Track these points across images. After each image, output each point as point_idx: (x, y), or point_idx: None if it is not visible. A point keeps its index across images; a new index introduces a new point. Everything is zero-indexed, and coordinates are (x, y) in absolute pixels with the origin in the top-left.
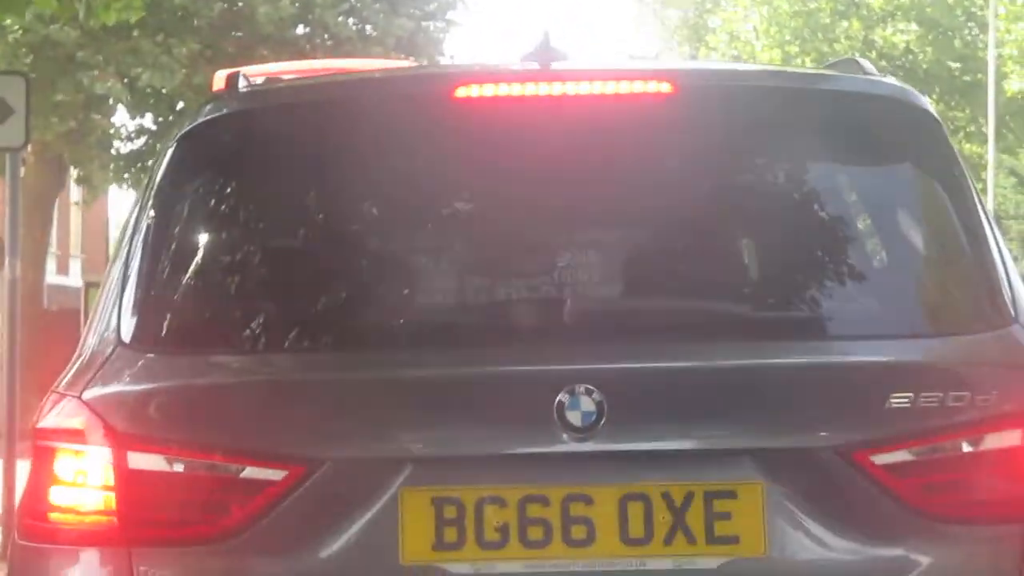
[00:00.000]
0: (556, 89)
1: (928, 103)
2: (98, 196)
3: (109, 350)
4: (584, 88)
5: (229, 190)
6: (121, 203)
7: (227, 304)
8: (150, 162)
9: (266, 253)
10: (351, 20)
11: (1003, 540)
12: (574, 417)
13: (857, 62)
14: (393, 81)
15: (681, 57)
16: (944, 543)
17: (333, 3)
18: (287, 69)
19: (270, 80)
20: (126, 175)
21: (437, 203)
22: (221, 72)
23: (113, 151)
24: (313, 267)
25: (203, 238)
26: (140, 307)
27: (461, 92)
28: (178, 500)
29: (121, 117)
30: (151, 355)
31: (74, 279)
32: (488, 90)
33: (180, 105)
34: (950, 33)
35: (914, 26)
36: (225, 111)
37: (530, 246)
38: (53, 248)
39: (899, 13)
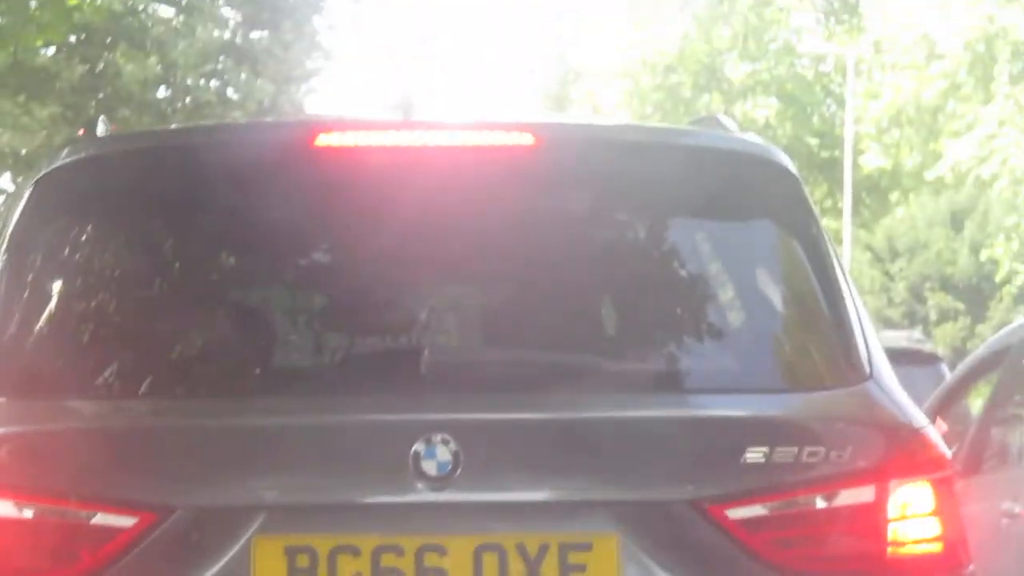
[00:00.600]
0: (417, 139)
1: (788, 161)
2: None
3: None
4: (446, 138)
5: (85, 236)
6: None
7: (81, 350)
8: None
9: (122, 300)
10: (213, 82)
11: None
12: (430, 467)
13: (719, 120)
14: (253, 128)
15: None
16: None
17: (196, 64)
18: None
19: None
20: None
21: (295, 252)
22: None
23: None
24: (169, 314)
25: (57, 284)
26: None
27: (321, 140)
28: (28, 546)
29: None
30: (2, 400)
31: None
32: (349, 139)
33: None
34: (809, 109)
35: (773, 100)
36: (83, 155)
37: (389, 297)
38: None
39: (759, 88)
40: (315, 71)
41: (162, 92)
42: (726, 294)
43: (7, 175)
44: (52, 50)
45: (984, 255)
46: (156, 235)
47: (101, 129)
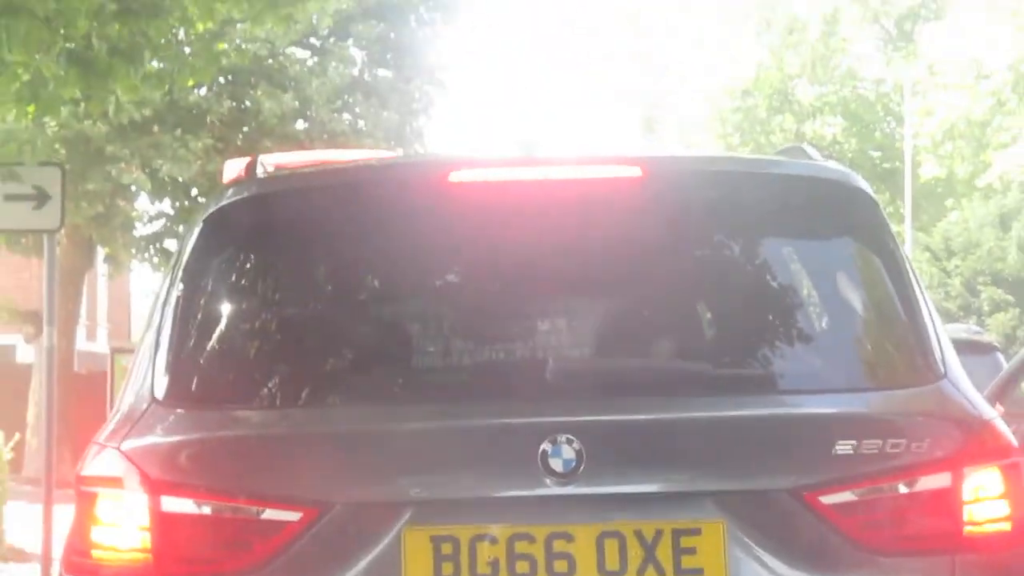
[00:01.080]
0: (540, 173)
1: (866, 185)
2: (122, 272)
3: (144, 406)
4: (564, 172)
5: (249, 265)
6: (142, 278)
7: (248, 366)
8: (167, 241)
9: (282, 321)
10: (345, 115)
11: (933, 570)
12: (556, 464)
13: (803, 149)
14: (395, 167)
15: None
16: (883, 572)
17: (329, 100)
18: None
19: (279, 167)
20: (146, 253)
21: (433, 275)
22: (230, 161)
23: (135, 233)
24: (324, 333)
25: (226, 308)
26: (171, 369)
27: (455, 177)
28: (206, 539)
29: (142, 203)
30: (181, 411)
31: (101, 346)
32: (479, 174)
33: (194, 191)
34: (871, 126)
35: (839, 119)
36: (246, 194)
37: (516, 314)
38: (83, 318)
39: (827, 108)
40: (432, 103)
41: (300, 125)
42: (815, 305)
43: (167, 200)
44: (203, 90)
45: None
46: (311, 262)
47: (260, 171)
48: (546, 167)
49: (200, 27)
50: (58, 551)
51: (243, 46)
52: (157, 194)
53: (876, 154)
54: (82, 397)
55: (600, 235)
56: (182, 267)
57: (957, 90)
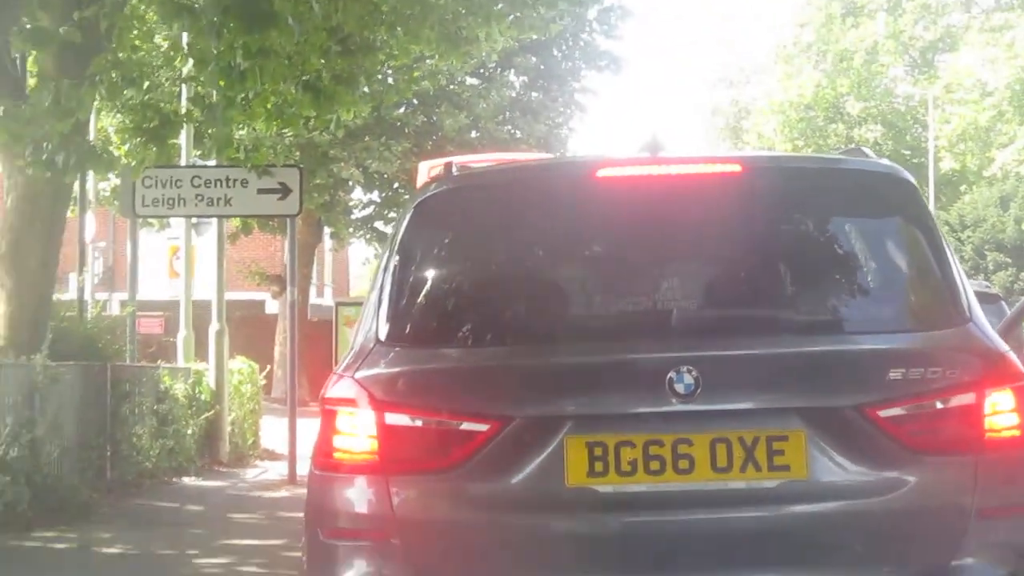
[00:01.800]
0: (664, 169)
1: (909, 176)
2: (342, 246)
3: (371, 346)
4: (683, 168)
5: (447, 240)
6: (357, 249)
7: (448, 315)
8: (376, 223)
9: (473, 281)
10: (506, 128)
11: (962, 464)
12: (679, 387)
13: (862, 150)
14: (555, 166)
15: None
16: (924, 467)
17: (493, 115)
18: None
19: (464, 167)
20: (361, 232)
21: (585, 248)
22: (422, 163)
23: (352, 216)
24: (505, 291)
25: (430, 272)
26: (390, 318)
27: (603, 173)
28: (417, 444)
29: (356, 193)
30: (399, 349)
31: (327, 300)
32: (619, 171)
33: (396, 184)
34: (903, 132)
35: (879, 127)
36: (445, 188)
37: (649, 277)
38: (314, 280)
39: (869, 119)
40: (571, 115)
41: (473, 135)
42: (872, 267)
43: (375, 192)
44: (402, 108)
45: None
46: (494, 238)
47: (454, 170)
48: (668, 164)
49: (400, 61)
50: (300, 453)
51: (432, 75)
52: (368, 187)
53: (907, 152)
54: (313, 339)
55: (710, 216)
56: (398, 242)
57: (967, 104)
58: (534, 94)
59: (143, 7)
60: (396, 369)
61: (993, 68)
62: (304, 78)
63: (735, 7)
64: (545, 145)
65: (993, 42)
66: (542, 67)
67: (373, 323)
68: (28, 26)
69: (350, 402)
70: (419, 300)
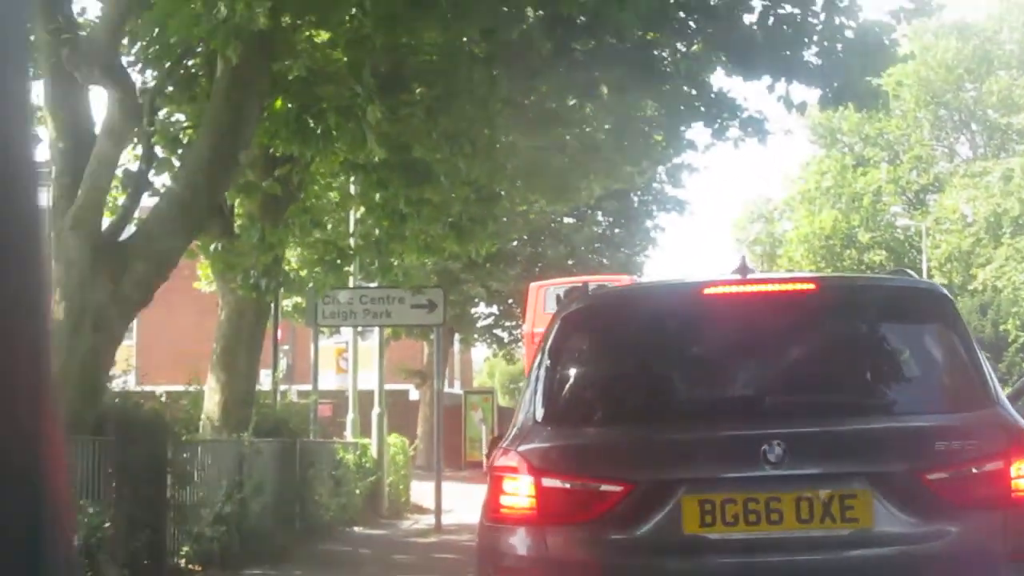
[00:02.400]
0: (756, 288)
1: (946, 292)
2: (468, 348)
3: (530, 425)
4: (770, 287)
5: (586, 344)
6: (479, 352)
7: (590, 402)
8: (496, 330)
9: (608, 377)
10: (595, 256)
11: (994, 517)
12: (771, 456)
13: (907, 271)
14: (670, 286)
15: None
16: (965, 519)
17: (586, 246)
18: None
19: (580, 287)
20: (483, 338)
21: (697, 350)
22: (532, 284)
23: (477, 325)
24: (631, 385)
25: (574, 370)
26: (544, 404)
27: (708, 291)
28: (567, 502)
29: (480, 308)
30: (551, 428)
31: (456, 390)
32: (721, 289)
33: (510, 301)
34: (902, 255)
35: (884, 252)
36: (583, 304)
37: (745, 371)
38: (447, 374)
39: (876, 246)
40: (648, 243)
41: (570, 261)
42: (919, 362)
43: (495, 306)
44: (515, 242)
45: (1000, 328)
46: (623, 342)
47: (591, 288)
48: (758, 284)
49: (519, 207)
50: (444, 506)
51: (540, 215)
52: (489, 302)
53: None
54: (447, 420)
55: (791, 324)
56: (548, 346)
57: (951, 232)
58: (616, 230)
59: (325, 166)
60: (549, 444)
61: (972, 205)
62: (449, 219)
63: (771, 162)
64: (625, 269)
65: (972, 184)
66: (623, 209)
67: (531, 408)
68: (240, 181)
69: (514, 470)
70: (566, 391)
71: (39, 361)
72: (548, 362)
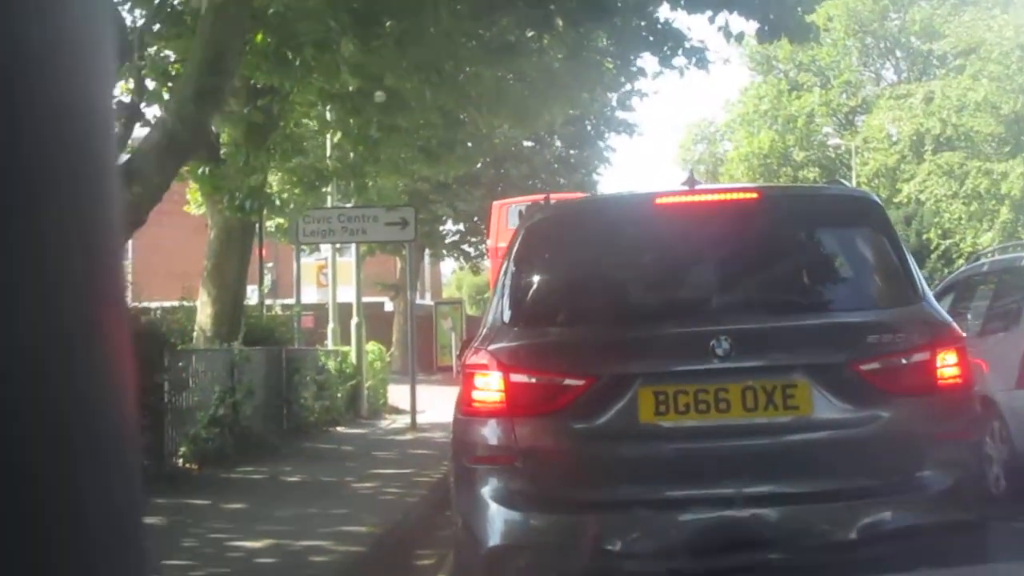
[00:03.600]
0: (703, 197)
1: (877, 198)
2: (437, 263)
3: (499, 326)
4: (716, 197)
5: (548, 252)
6: (448, 266)
7: (552, 305)
8: (463, 246)
9: (569, 282)
10: (554, 176)
11: (922, 403)
12: (719, 351)
13: (841, 181)
14: (625, 198)
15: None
16: (895, 405)
17: (545, 167)
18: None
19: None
20: (451, 253)
21: (650, 256)
22: (495, 203)
23: (445, 241)
24: (589, 288)
25: (537, 276)
26: (511, 307)
27: (660, 201)
28: (532, 396)
29: (448, 226)
30: (518, 328)
31: (427, 301)
32: (671, 199)
33: (475, 219)
34: (834, 172)
35: (817, 169)
36: (544, 215)
37: (694, 274)
38: (418, 287)
39: (809, 164)
40: (598, 165)
41: (531, 182)
42: (851, 263)
43: (461, 224)
44: (479, 164)
45: (924, 237)
46: (582, 251)
47: (551, 203)
48: (706, 194)
49: (484, 132)
50: (419, 407)
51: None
52: (455, 221)
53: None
54: (419, 330)
55: (735, 230)
56: (513, 255)
57: (879, 151)
58: (572, 151)
59: (303, 96)
60: (517, 343)
61: (897, 125)
62: (419, 144)
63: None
64: (581, 188)
65: (897, 106)
66: (578, 133)
67: (499, 311)
68: (226, 110)
69: (485, 367)
70: (530, 295)
71: (118, 307)
72: (513, 269)
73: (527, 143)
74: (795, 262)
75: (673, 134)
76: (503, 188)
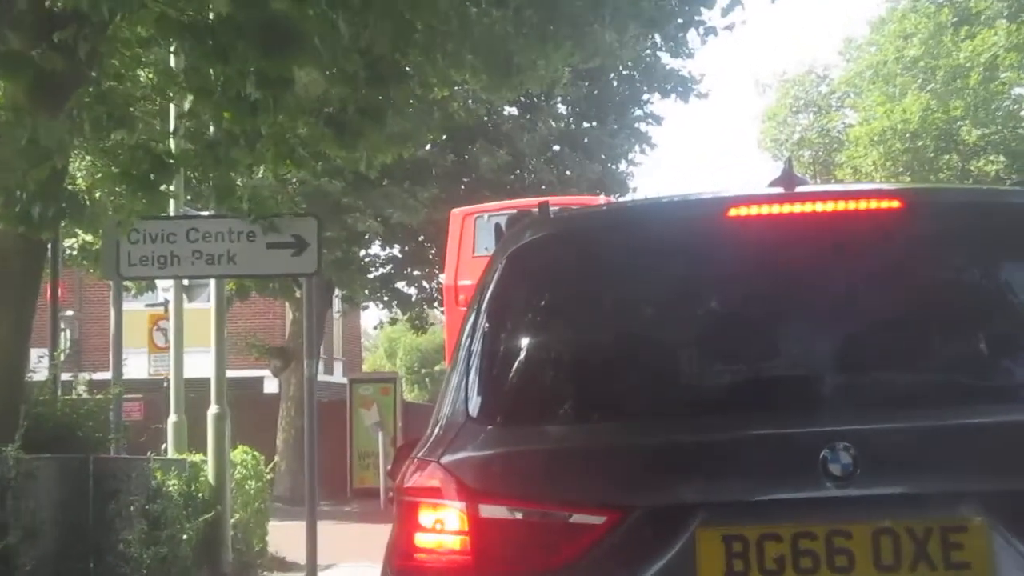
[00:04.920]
0: (807, 208)
1: None
2: (355, 310)
3: (460, 423)
4: (830, 206)
5: (547, 296)
6: (371, 315)
7: (553, 387)
8: (400, 283)
9: (580, 347)
10: (554, 166)
11: None
12: (835, 468)
13: None
14: (676, 206)
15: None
16: None
17: (538, 153)
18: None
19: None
20: (378, 294)
21: (717, 304)
22: (455, 210)
23: (369, 276)
24: (616, 354)
25: (528, 337)
26: (483, 391)
27: (735, 212)
28: (519, 542)
29: (373, 249)
30: (493, 427)
31: (338, 377)
32: (754, 210)
33: (422, 237)
34: None
35: (1002, 158)
36: (542, 234)
37: (792, 336)
38: (322, 353)
39: (990, 147)
40: (631, 149)
41: (514, 176)
42: None
43: (396, 246)
44: (428, 146)
45: None
46: (603, 293)
47: (551, 213)
48: (812, 202)
49: (440, 92)
50: (323, 559)
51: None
52: (388, 240)
53: None
54: (324, 422)
55: (864, 263)
56: (487, 300)
57: None
58: (586, 126)
59: (131, 28)
60: (491, 451)
61: None
62: (326, 111)
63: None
64: (601, 186)
65: None
66: (596, 93)
67: (461, 398)
68: None
69: (435, 492)
70: (516, 369)
71: None
72: (487, 326)
73: (509, 110)
74: (965, 316)
75: (756, 99)
76: (469, 187)
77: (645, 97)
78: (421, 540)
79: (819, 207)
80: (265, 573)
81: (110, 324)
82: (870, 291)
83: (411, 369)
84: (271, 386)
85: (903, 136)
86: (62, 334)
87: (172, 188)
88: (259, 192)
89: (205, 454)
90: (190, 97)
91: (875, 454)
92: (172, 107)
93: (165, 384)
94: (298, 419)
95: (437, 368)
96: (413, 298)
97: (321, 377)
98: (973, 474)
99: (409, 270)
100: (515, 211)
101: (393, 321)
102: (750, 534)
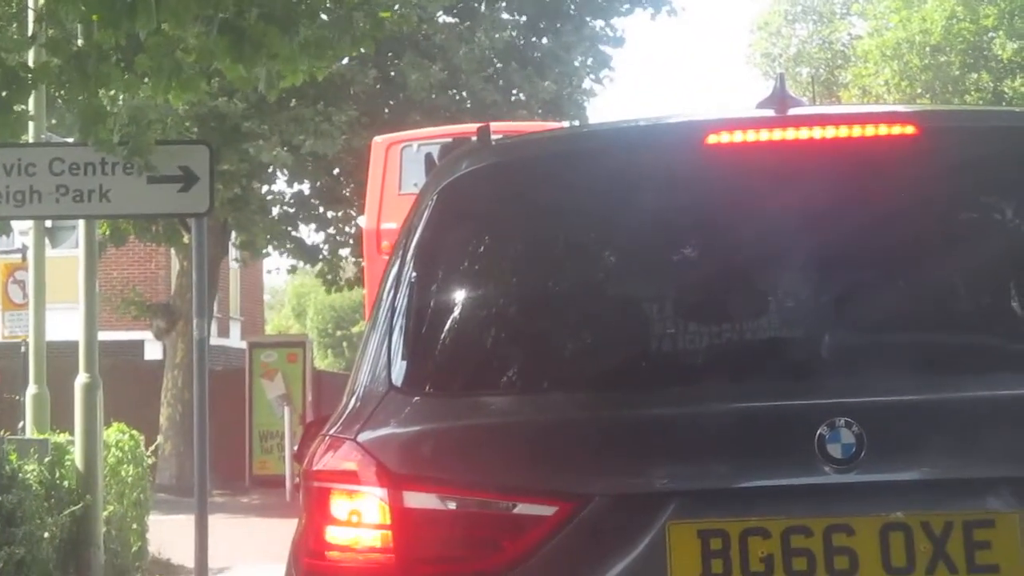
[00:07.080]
0: (802, 133)
1: None
2: (258, 259)
3: (381, 394)
4: (830, 132)
5: (487, 239)
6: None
7: (487, 349)
8: (302, 226)
9: (524, 300)
10: (498, 85)
11: None
12: (834, 450)
13: None
14: (645, 131)
15: None
16: None
17: (478, 69)
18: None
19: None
20: (284, 242)
21: (692, 248)
22: (378, 137)
23: (272, 215)
24: (570, 312)
25: (464, 289)
26: (409, 355)
27: (714, 139)
28: (453, 537)
29: (278, 185)
30: (421, 398)
31: (235, 340)
32: (738, 136)
33: (337, 171)
34: None
35: None
36: (481, 164)
37: (784, 288)
38: (215, 312)
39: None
40: (595, 68)
41: (450, 96)
42: None
43: (307, 182)
44: (345, 60)
45: None
46: (556, 237)
47: (491, 140)
48: (807, 126)
49: None
50: (215, 563)
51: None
52: (296, 174)
53: None
54: (218, 396)
55: (871, 200)
56: (414, 246)
57: None
58: (537, 40)
59: None
60: (419, 427)
61: None
62: (221, 15)
63: None
64: (555, 111)
65: None
66: (548, 2)
67: (382, 363)
68: None
69: (351, 476)
70: (449, 328)
71: None
72: (414, 277)
73: (445, 18)
74: (993, 264)
75: (746, 5)
76: (395, 109)
77: (607, 7)
78: (333, 535)
79: (817, 133)
80: None
81: None
82: (878, 235)
83: (324, 331)
84: (153, 351)
85: (922, 50)
86: None
87: (31, 109)
88: (145, 113)
89: (72, 433)
90: None
91: (884, 432)
92: (30, 9)
93: (23, 348)
94: (186, 391)
95: (355, 330)
96: (325, 247)
97: (214, 341)
98: (1003, 457)
99: (321, 210)
100: (450, 139)
101: (293, 269)
102: (731, 529)
